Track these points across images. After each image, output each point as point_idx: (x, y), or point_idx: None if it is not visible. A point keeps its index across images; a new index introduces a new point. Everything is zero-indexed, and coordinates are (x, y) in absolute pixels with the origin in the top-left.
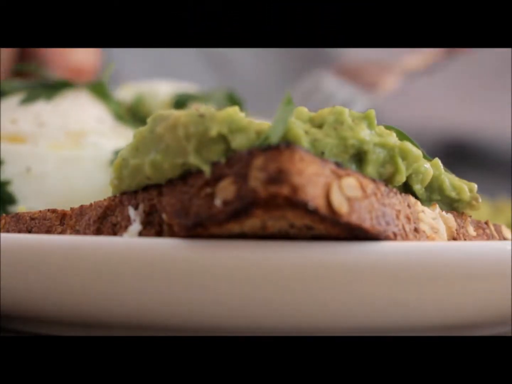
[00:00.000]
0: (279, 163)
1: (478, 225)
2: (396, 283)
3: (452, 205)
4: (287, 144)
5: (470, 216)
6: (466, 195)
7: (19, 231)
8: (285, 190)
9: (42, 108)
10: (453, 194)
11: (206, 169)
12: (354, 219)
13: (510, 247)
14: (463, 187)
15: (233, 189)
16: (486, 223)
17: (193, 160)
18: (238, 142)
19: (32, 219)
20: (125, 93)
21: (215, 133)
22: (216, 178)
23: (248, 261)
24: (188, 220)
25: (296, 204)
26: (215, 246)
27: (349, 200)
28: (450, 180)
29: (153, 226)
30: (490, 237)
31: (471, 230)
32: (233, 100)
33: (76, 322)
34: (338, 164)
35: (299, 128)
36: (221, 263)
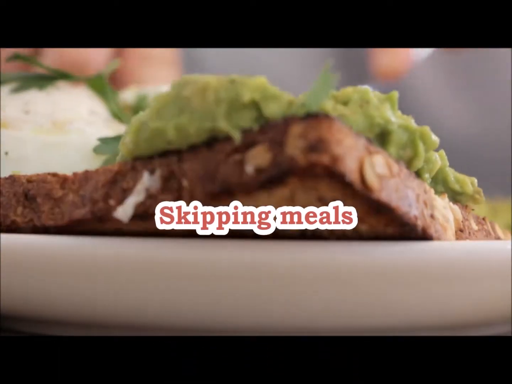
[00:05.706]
0: (319, 132)
1: (477, 220)
2: (395, 283)
3: (455, 198)
4: (325, 114)
5: (473, 210)
6: (469, 188)
7: (15, 194)
8: (325, 159)
9: (33, 96)
10: (457, 187)
11: (237, 135)
12: (383, 196)
13: (510, 247)
14: (466, 181)
15: (268, 156)
16: (484, 219)
17: (223, 125)
18: (271, 109)
19: (29, 181)
20: (128, 94)
21: (248, 99)
22: (247, 145)
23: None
24: (214, 186)
25: (334, 174)
26: (218, 246)
27: (379, 177)
28: (453, 173)
29: (171, 192)
30: (488, 233)
31: (473, 224)
32: None
33: (76, 322)
34: (369, 140)
35: (327, 103)
36: (226, 264)
